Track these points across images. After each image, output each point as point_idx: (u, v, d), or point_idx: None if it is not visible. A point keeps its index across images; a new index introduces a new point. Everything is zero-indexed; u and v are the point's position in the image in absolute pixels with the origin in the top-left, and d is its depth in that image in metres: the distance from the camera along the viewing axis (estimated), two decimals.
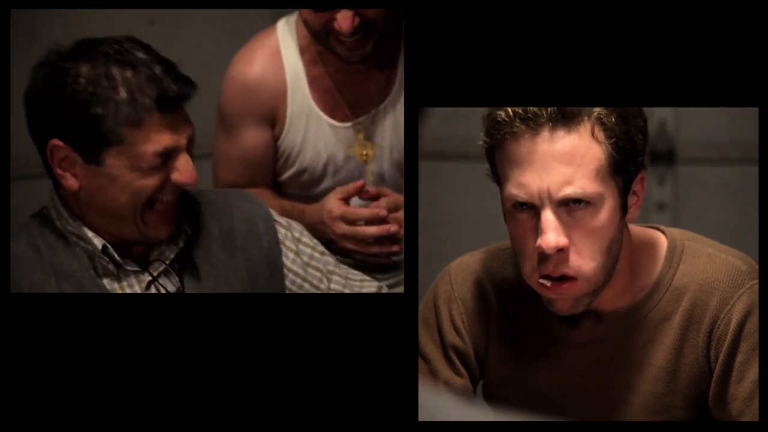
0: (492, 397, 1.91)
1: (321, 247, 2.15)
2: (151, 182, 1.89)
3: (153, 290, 1.96)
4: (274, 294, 2.04)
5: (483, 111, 1.72)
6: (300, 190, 2.52)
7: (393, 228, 2.35)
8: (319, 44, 2.38)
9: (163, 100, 1.86)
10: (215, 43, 3.08)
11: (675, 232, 1.83)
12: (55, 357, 1.78)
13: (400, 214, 2.36)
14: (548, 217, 1.66)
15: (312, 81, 2.45)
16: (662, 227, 1.84)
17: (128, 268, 1.95)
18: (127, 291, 1.94)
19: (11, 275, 1.90)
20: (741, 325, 1.74)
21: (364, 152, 2.48)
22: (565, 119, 1.65)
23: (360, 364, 1.77)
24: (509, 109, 1.66)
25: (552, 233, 1.66)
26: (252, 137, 2.46)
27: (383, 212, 2.35)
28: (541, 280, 1.70)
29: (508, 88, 1.91)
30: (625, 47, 1.89)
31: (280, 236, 2.09)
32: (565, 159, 1.65)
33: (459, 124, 3.38)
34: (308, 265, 2.10)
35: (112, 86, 1.85)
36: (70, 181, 1.90)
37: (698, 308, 1.77)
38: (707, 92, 1.89)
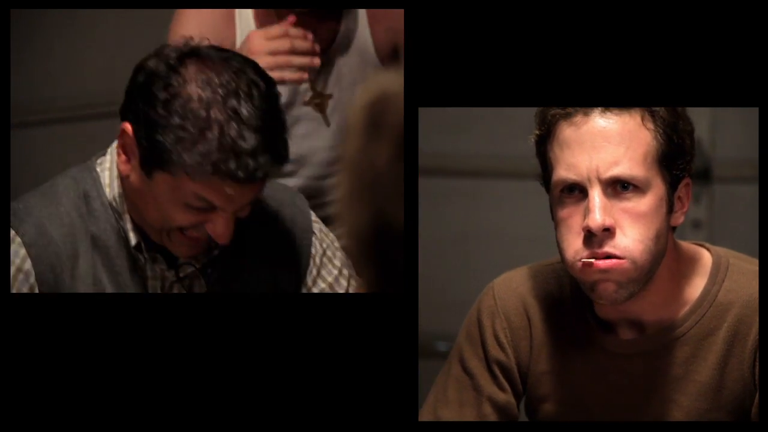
0: (535, 413, 1.91)
1: (346, 270, 2.11)
2: (183, 218, 1.85)
3: (176, 290, 1.95)
4: (274, 294, 2.04)
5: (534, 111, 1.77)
6: None
7: (316, 61, 2.31)
8: None
9: (231, 173, 1.77)
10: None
11: (720, 249, 1.84)
12: (55, 357, 1.79)
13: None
14: (596, 196, 1.69)
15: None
16: (707, 244, 1.85)
17: (155, 264, 1.93)
18: (156, 283, 1.94)
19: (42, 258, 1.87)
20: None
21: (318, 101, 2.49)
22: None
23: (360, 364, 1.78)
24: None
25: (599, 212, 1.69)
26: None
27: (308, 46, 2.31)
28: (585, 260, 1.71)
29: (509, 88, 1.93)
30: (625, 47, 1.91)
31: (313, 251, 2.08)
32: (614, 139, 1.70)
33: (496, 142, 3.39)
34: (322, 281, 2.09)
35: (191, 128, 1.78)
36: (123, 166, 1.87)
37: (743, 325, 1.77)
38: (707, 92, 1.91)
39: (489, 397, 1.88)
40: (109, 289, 1.92)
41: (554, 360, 1.87)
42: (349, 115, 1.34)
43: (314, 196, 2.54)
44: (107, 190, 1.93)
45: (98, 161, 1.96)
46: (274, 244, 2.04)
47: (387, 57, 2.55)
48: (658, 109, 1.72)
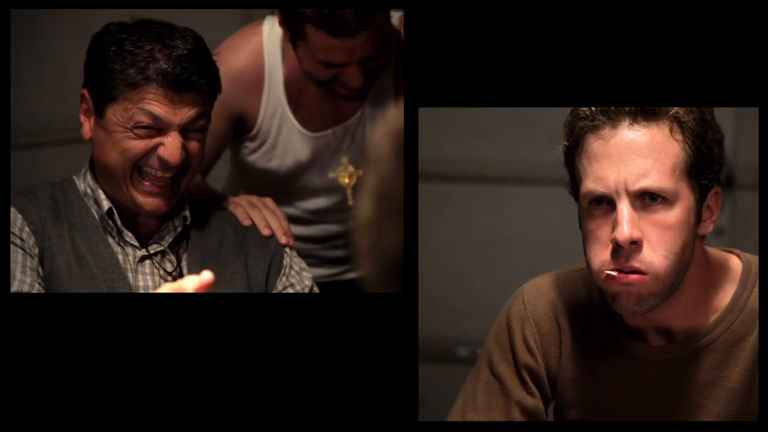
0: (563, 418, 1.92)
1: (309, 285, 2.27)
2: (136, 146, 2.07)
3: (147, 267, 2.15)
4: (274, 294, 2.17)
5: (564, 118, 1.77)
6: (261, 181, 2.55)
7: (284, 240, 2.33)
8: (318, 85, 2.40)
9: (163, 75, 2.04)
10: None
11: (749, 255, 1.85)
12: (55, 357, 1.79)
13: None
14: (624, 209, 1.70)
15: (288, 85, 2.46)
16: (737, 251, 1.85)
17: (127, 239, 2.14)
18: (129, 259, 2.14)
19: (27, 209, 2.10)
20: None
21: (347, 180, 2.50)
22: (645, 114, 1.71)
23: (360, 364, 1.78)
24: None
25: (627, 225, 1.69)
26: (212, 126, 2.33)
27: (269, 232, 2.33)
28: (609, 272, 1.71)
29: (509, 89, 1.94)
30: (625, 47, 1.91)
31: (284, 261, 2.24)
32: (642, 152, 1.70)
33: (519, 149, 3.40)
34: (292, 290, 2.24)
35: (134, 51, 2.06)
36: (85, 129, 2.12)
37: None
38: (707, 92, 1.91)
39: (518, 401, 1.88)
40: (87, 257, 2.12)
41: (583, 366, 1.87)
42: (373, 143, 1.35)
43: (332, 238, 2.57)
44: (81, 186, 2.17)
45: (74, 176, 2.21)
46: (249, 240, 2.24)
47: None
48: (686, 119, 1.71)
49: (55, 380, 1.79)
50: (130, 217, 2.16)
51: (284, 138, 2.49)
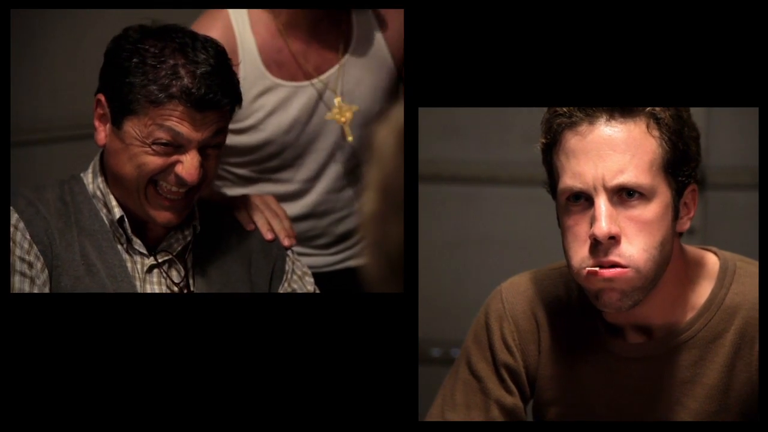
0: (542, 416, 1.92)
1: (311, 289, 2.25)
2: (153, 162, 2.03)
3: (155, 276, 2.11)
4: (274, 294, 2.15)
5: (541, 116, 1.78)
6: (267, 171, 2.53)
7: (287, 242, 2.32)
8: None
9: (187, 95, 2.00)
10: None
11: (727, 253, 1.86)
12: (55, 357, 1.79)
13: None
14: (602, 204, 1.71)
15: (263, 50, 2.45)
16: (714, 248, 1.86)
17: (136, 246, 2.10)
18: (137, 267, 2.10)
19: (34, 222, 2.05)
20: None
21: (343, 117, 2.50)
22: (622, 110, 1.72)
23: (360, 364, 1.78)
24: None
25: (605, 220, 1.70)
26: None
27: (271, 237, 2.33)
28: (590, 269, 1.72)
29: (508, 89, 1.95)
30: (625, 47, 1.92)
31: (287, 266, 2.23)
32: (620, 147, 1.71)
33: (491, 149, 3.40)
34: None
35: (156, 66, 2.01)
36: (101, 136, 2.08)
37: (751, 327, 1.78)
38: (707, 92, 1.92)
39: (497, 400, 1.88)
40: (97, 264, 2.08)
41: (562, 363, 1.88)
42: (377, 140, 1.36)
43: (329, 212, 2.56)
44: (90, 187, 2.12)
45: (81, 173, 2.17)
46: (253, 248, 2.21)
47: (399, 59, 2.55)
48: (663, 116, 1.73)
49: (55, 380, 1.79)
50: (139, 224, 2.12)
51: (269, 101, 2.47)
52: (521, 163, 3.23)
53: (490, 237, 3.44)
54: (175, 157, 2.04)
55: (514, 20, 1.93)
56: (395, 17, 2.52)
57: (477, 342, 1.92)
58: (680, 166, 1.75)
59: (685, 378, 1.81)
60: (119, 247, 2.10)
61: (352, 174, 2.54)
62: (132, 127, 2.03)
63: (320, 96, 2.50)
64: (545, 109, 1.79)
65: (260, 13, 2.45)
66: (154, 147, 2.03)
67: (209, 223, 2.19)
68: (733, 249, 2.01)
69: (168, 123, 2.02)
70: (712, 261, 1.84)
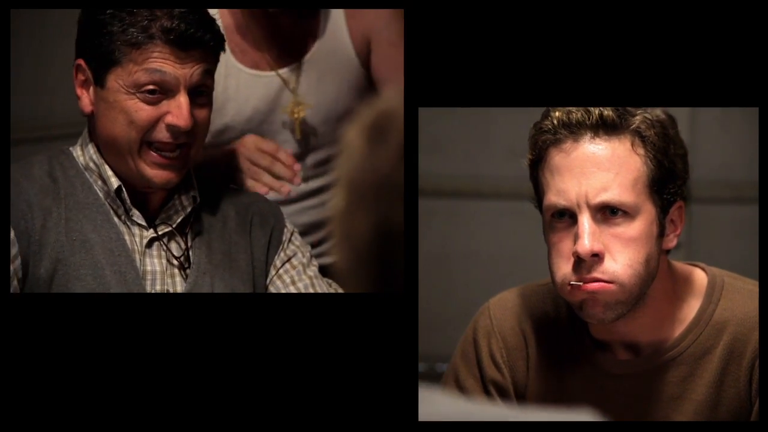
0: None
1: (307, 258, 2.22)
2: (143, 113, 1.98)
3: (155, 249, 2.06)
4: (274, 294, 2.13)
5: (528, 132, 1.78)
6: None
7: (284, 189, 2.34)
8: None
9: (167, 32, 1.96)
10: None
11: (714, 269, 1.86)
12: (55, 357, 1.78)
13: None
14: (585, 222, 1.71)
15: (228, 34, 2.41)
16: (702, 264, 1.86)
17: (134, 218, 2.05)
18: (135, 240, 2.05)
19: (17, 200, 1.99)
20: None
21: (296, 111, 2.49)
22: (606, 128, 1.72)
23: (360, 364, 1.78)
24: (553, 118, 1.73)
25: (588, 238, 1.70)
26: None
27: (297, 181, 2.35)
28: (573, 283, 1.72)
29: (508, 89, 1.95)
30: (625, 48, 1.93)
31: (284, 237, 2.19)
32: (603, 165, 1.71)
33: (475, 163, 3.40)
34: (289, 264, 2.19)
35: (133, 11, 1.97)
36: (85, 101, 2.03)
37: (739, 343, 1.79)
38: (707, 92, 1.93)
39: None
40: (92, 239, 2.02)
41: (550, 380, 1.87)
42: (346, 137, 1.37)
43: (298, 200, 2.54)
44: (81, 159, 2.07)
45: (69, 147, 2.11)
46: (251, 220, 2.18)
47: (365, 57, 2.55)
48: (648, 134, 1.72)
49: (55, 380, 1.78)
50: (137, 195, 2.06)
51: (230, 84, 2.43)
52: (505, 177, 3.24)
53: (474, 251, 3.45)
54: (164, 107, 1.99)
55: (513, 20, 1.93)
56: (362, 16, 2.52)
57: (465, 358, 1.92)
58: (666, 183, 1.75)
59: (674, 394, 1.81)
60: (116, 220, 2.04)
61: (319, 166, 2.52)
62: (116, 80, 1.98)
63: (281, 89, 2.49)
64: (530, 123, 1.79)
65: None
66: (140, 95, 1.98)
67: (208, 192, 2.14)
68: (717, 262, 2.02)
69: (152, 65, 1.97)
70: (700, 277, 1.84)
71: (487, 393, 1.89)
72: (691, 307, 1.82)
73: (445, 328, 3.07)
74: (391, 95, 1.42)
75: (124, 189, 2.04)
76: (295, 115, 2.49)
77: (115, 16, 1.97)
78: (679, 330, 1.81)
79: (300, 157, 2.51)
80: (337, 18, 2.51)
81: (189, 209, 2.10)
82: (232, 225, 2.15)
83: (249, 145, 2.37)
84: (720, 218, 3.48)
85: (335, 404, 1.77)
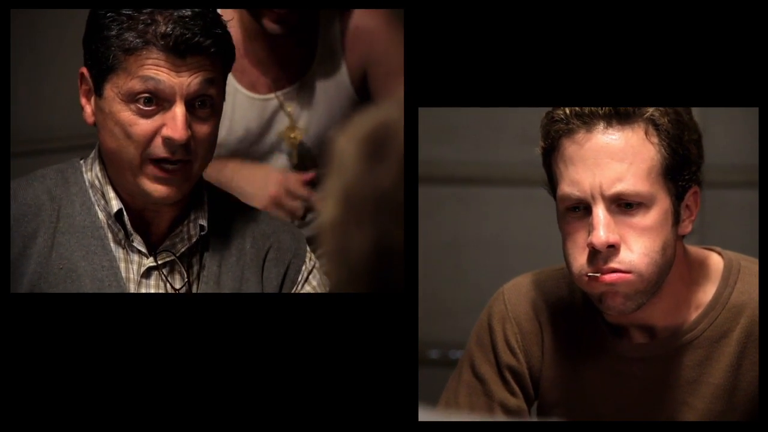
0: (547, 418, 1.91)
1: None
2: (138, 126, 1.86)
3: (153, 279, 1.95)
4: (274, 294, 2.03)
5: (540, 119, 1.77)
6: None
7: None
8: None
9: (163, 38, 1.83)
10: None
11: (730, 253, 1.85)
12: (55, 357, 1.78)
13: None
14: (600, 213, 1.69)
15: None
16: (717, 248, 1.86)
17: (135, 244, 1.93)
18: (132, 267, 1.94)
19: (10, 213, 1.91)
20: None
21: (293, 135, 2.49)
22: (620, 118, 1.70)
23: (360, 364, 1.77)
24: (566, 108, 1.72)
25: (603, 229, 1.69)
26: None
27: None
28: (590, 274, 1.71)
29: (509, 89, 1.94)
30: (625, 47, 1.92)
31: (300, 277, 2.06)
32: (617, 156, 1.70)
33: (486, 149, 3.39)
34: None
35: (132, 15, 1.85)
36: (88, 112, 1.92)
37: (757, 326, 1.78)
38: (707, 92, 1.92)
39: (500, 402, 1.87)
40: (81, 267, 1.92)
41: (566, 365, 1.87)
42: (337, 149, 1.34)
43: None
44: (88, 174, 1.96)
45: (81, 159, 2.01)
46: (268, 257, 2.03)
47: (358, 83, 2.56)
48: (662, 122, 1.70)
49: (55, 380, 1.78)
50: (142, 219, 1.95)
51: (229, 104, 2.39)
52: (516, 164, 3.23)
53: (485, 238, 3.43)
54: (160, 120, 1.86)
55: (513, 20, 1.93)
56: (360, 40, 2.52)
57: (480, 344, 1.91)
58: (680, 170, 1.73)
59: (691, 378, 1.80)
60: (113, 245, 1.93)
61: (309, 184, 2.53)
62: (112, 88, 1.87)
63: (275, 112, 2.49)
64: (541, 109, 1.78)
65: (228, 17, 2.43)
66: (135, 105, 1.85)
67: (223, 217, 2.01)
68: (730, 247, 2.02)
69: (146, 72, 1.84)
70: (716, 261, 1.83)
71: (502, 379, 1.88)
72: (708, 292, 1.81)
73: (456, 315, 3.07)
74: (390, 108, 1.39)
75: (125, 212, 1.93)
76: (292, 140, 2.49)
77: (114, 20, 1.86)
78: (695, 314, 1.80)
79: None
80: (334, 43, 2.52)
81: (195, 239, 1.97)
82: (246, 259, 2.01)
83: (293, 181, 2.41)
84: (732, 203, 3.47)
85: (335, 404, 1.77)
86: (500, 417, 1.87)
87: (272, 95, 2.49)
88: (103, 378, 1.78)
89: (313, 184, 2.45)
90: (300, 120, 2.51)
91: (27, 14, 2.95)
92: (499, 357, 1.88)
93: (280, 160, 2.53)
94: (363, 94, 2.55)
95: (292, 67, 2.50)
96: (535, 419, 1.92)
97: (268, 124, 2.50)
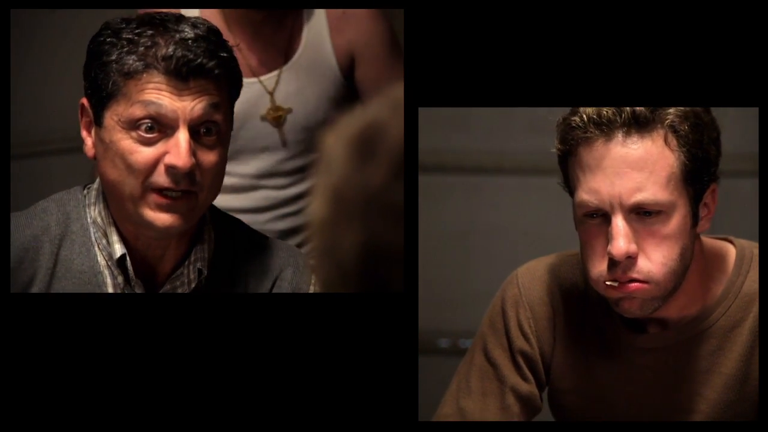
0: (557, 404, 1.91)
1: None
2: (140, 155, 1.77)
3: None
4: (273, 294, 2.00)
5: (557, 118, 1.74)
6: None
7: None
8: None
9: (165, 60, 1.76)
10: None
11: (744, 241, 1.85)
12: (55, 357, 1.78)
13: None
14: (619, 223, 1.67)
15: None
16: (731, 237, 1.85)
17: (137, 290, 1.87)
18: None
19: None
20: None
21: (276, 114, 2.49)
22: (639, 125, 1.67)
23: (360, 365, 1.77)
24: (583, 114, 1.69)
25: (622, 240, 1.67)
26: None
27: None
28: (609, 283, 1.70)
29: (509, 89, 1.93)
30: (625, 47, 1.91)
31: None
32: (637, 165, 1.67)
33: (495, 138, 3.39)
34: None
35: (132, 39, 1.77)
36: (88, 146, 1.84)
37: None
38: (707, 92, 1.91)
39: (512, 387, 1.87)
40: None
41: (578, 352, 1.86)
42: (325, 147, 1.33)
43: (276, 206, 2.55)
44: (91, 210, 1.89)
45: (86, 186, 1.94)
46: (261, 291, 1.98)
47: (346, 69, 2.55)
48: (681, 128, 1.68)
49: (55, 380, 1.78)
50: (143, 263, 1.88)
51: None
52: (526, 153, 3.22)
53: (495, 227, 3.43)
54: (162, 148, 1.78)
55: (513, 20, 1.92)
56: (346, 30, 2.52)
57: (493, 328, 1.90)
58: (700, 173, 1.71)
59: (704, 368, 1.80)
60: (111, 290, 1.87)
61: (296, 173, 2.54)
62: (112, 116, 1.78)
63: (259, 96, 2.49)
64: (556, 109, 1.76)
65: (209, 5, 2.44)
66: (136, 133, 1.77)
67: (222, 261, 1.94)
68: (741, 235, 2.01)
69: (147, 96, 1.76)
70: (729, 250, 1.83)
71: (515, 363, 1.87)
72: (720, 281, 1.80)
73: (466, 304, 3.07)
74: (380, 107, 1.36)
75: (128, 258, 1.86)
76: (276, 118, 2.49)
77: (114, 45, 1.78)
78: (708, 303, 1.79)
79: (280, 163, 2.52)
80: (320, 28, 2.52)
81: (194, 284, 1.91)
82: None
83: None
84: (741, 191, 3.46)
85: (335, 404, 1.77)
86: (512, 402, 1.87)
87: (255, 79, 2.49)
88: (103, 378, 1.78)
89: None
90: (287, 103, 2.50)
91: (27, 14, 2.94)
92: (512, 342, 1.88)
93: (266, 142, 2.53)
94: (350, 78, 2.55)
95: (276, 50, 2.50)
96: (546, 405, 1.92)
97: (253, 108, 2.48)
